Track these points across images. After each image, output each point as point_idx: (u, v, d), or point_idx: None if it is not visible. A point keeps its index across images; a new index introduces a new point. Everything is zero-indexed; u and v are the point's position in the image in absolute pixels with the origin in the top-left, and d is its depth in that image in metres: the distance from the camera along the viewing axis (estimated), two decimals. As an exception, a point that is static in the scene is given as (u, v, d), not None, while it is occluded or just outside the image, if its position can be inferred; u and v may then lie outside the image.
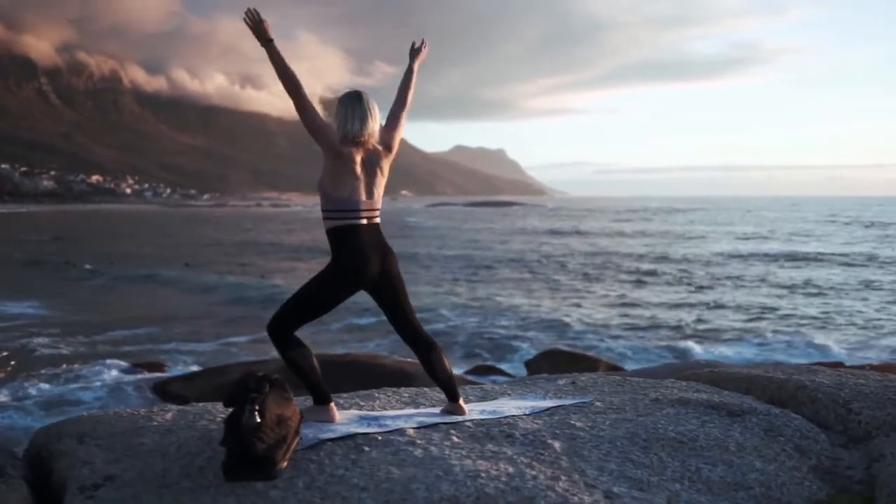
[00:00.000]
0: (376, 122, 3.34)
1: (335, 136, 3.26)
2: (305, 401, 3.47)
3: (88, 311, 22.91)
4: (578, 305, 24.60)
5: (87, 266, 35.91)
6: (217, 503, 2.55)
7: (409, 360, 13.85)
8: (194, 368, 14.43)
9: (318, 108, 3.28)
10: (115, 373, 14.65)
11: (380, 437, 3.10)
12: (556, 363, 14.22)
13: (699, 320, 21.62)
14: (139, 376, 14.20)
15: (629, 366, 14.17)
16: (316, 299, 3.30)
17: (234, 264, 38.87)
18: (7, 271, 34.05)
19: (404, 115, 3.56)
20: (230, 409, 2.76)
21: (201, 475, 2.75)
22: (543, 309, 23.76)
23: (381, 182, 3.41)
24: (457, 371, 11.46)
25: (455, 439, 3.12)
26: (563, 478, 2.75)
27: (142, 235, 66.22)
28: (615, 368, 13.17)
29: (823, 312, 22.83)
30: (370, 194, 3.34)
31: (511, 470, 2.77)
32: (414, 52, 3.66)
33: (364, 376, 10.22)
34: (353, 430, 3.17)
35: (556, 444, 3.09)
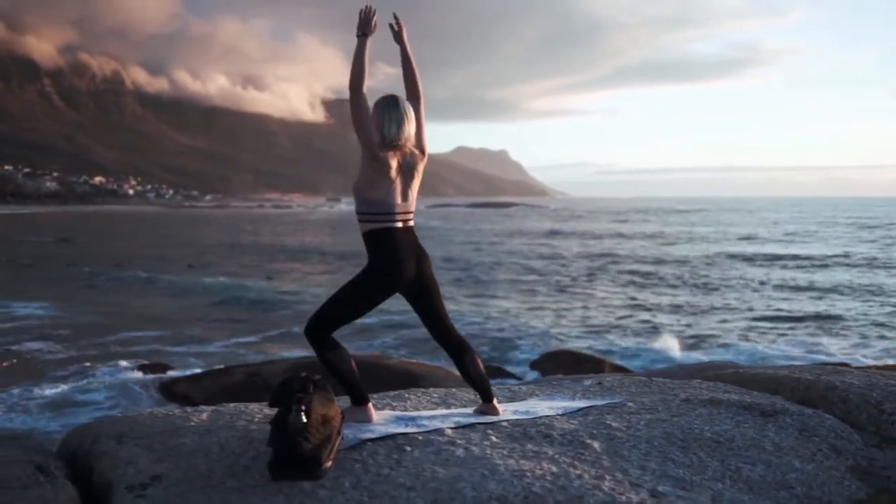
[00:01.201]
0: (412, 125, 3.36)
1: (377, 139, 3.29)
2: (338, 401, 3.49)
3: (94, 312, 22.94)
4: (579, 306, 24.60)
5: (87, 269, 35.91)
6: (266, 503, 2.57)
7: (415, 360, 13.87)
8: (201, 369, 14.45)
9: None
10: (121, 374, 14.65)
11: (420, 437, 3.12)
12: (560, 364, 14.24)
13: (699, 321, 21.63)
14: (146, 377, 14.21)
15: (632, 367, 14.15)
16: (352, 302, 3.31)
17: (237, 266, 38.91)
18: (13, 273, 34.11)
19: (422, 108, 3.53)
20: (275, 410, 2.78)
21: (247, 475, 2.77)
22: (544, 310, 23.78)
23: (416, 185, 3.44)
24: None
25: (494, 439, 3.14)
26: (607, 477, 2.77)
27: (145, 237, 66.25)
28: (620, 369, 13.17)
29: (823, 313, 22.85)
30: (405, 197, 3.36)
31: (555, 469, 2.80)
32: (398, 35, 3.56)
33: (370, 377, 10.18)
34: (391, 430, 3.19)
35: (596, 444, 3.11)
